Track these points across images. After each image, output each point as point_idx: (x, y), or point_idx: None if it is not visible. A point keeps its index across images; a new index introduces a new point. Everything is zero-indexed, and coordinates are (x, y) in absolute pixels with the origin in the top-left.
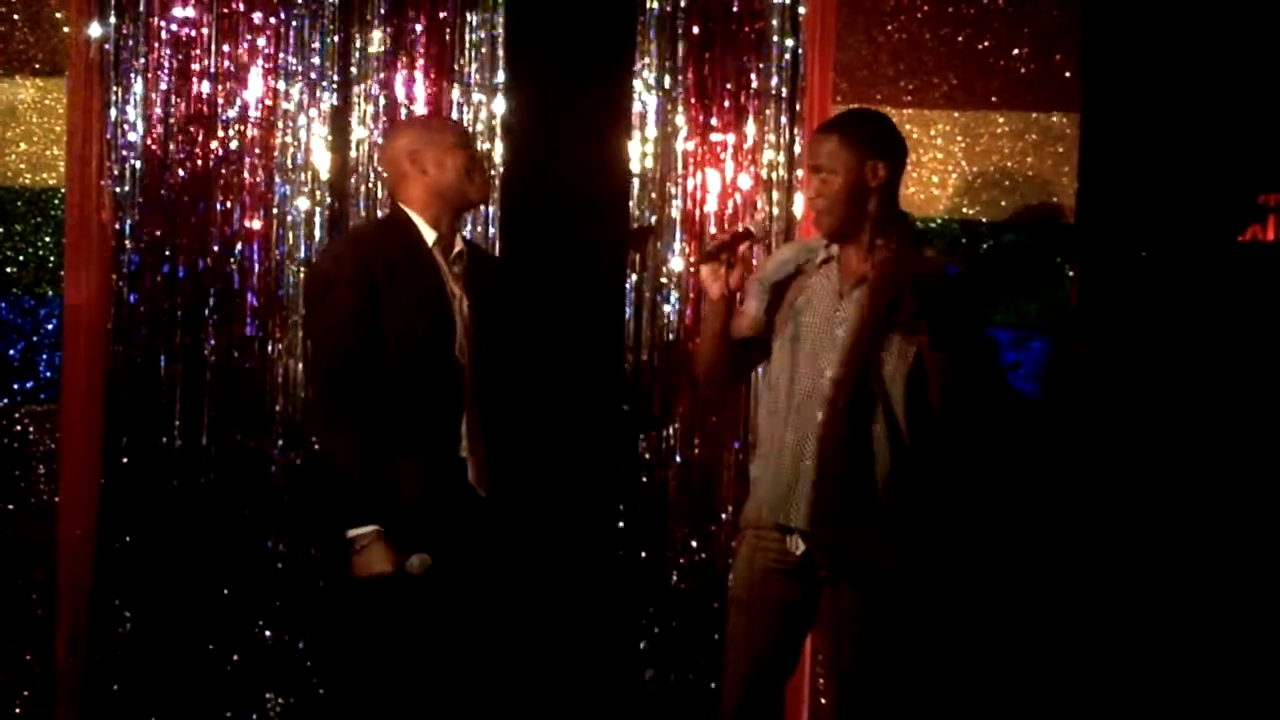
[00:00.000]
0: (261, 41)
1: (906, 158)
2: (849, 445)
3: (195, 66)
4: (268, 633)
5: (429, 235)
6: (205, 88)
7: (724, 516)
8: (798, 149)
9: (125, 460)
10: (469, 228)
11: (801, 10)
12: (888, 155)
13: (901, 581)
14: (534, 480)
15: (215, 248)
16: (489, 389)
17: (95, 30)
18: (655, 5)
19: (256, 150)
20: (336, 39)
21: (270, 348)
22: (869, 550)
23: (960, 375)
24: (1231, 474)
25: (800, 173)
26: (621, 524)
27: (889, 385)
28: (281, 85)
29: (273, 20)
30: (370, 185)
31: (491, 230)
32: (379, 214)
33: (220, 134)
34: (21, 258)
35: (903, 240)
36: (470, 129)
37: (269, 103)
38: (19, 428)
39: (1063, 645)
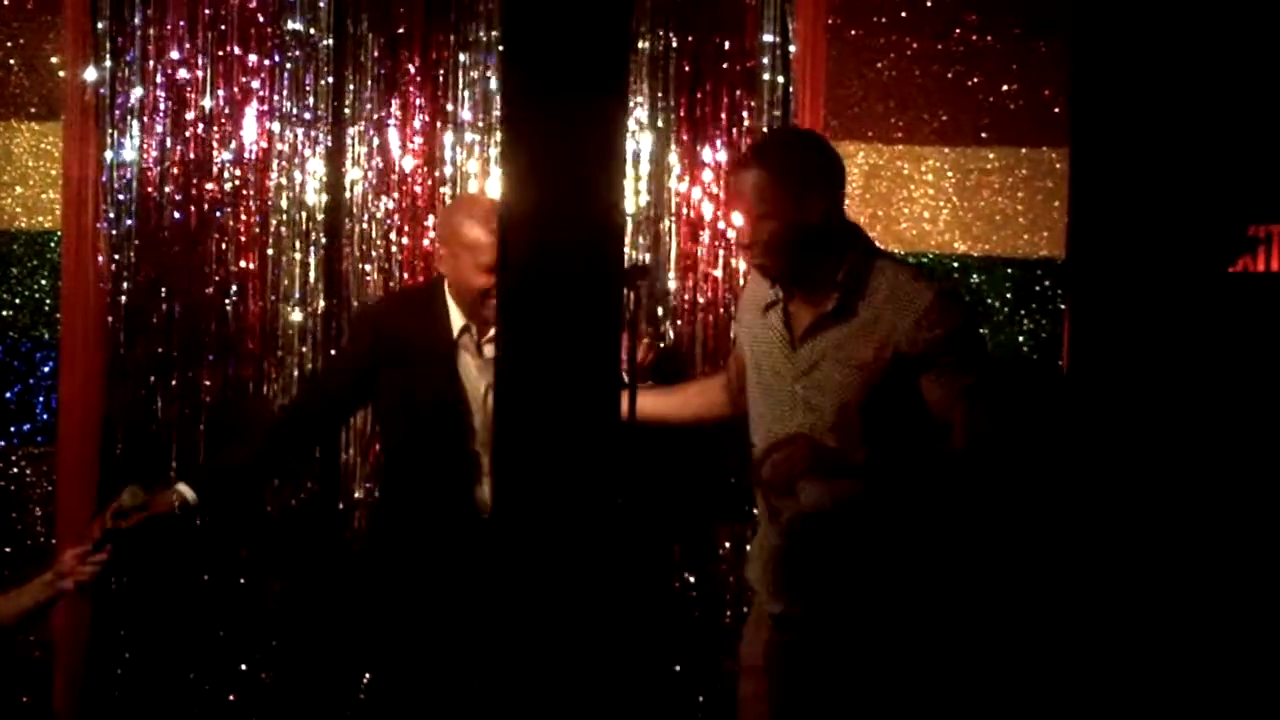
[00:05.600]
0: (255, 84)
1: (843, 178)
2: (835, 529)
3: (190, 110)
4: (263, 673)
5: (457, 321)
6: (200, 130)
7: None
8: None
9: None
10: None
11: (792, 48)
12: (823, 185)
13: (890, 635)
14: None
15: (210, 289)
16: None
17: (91, 75)
18: (647, 44)
19: (251, 192)
20: (330, 81)
21: (265, 389)
22: (853, 611)
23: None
24: (1225, 503)
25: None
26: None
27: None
28: (275, 127)
29: (266, 63)
30: (364, 227)
31: None
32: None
33: (215, 176)
34: (18, 301)
35: (854, 275)
36: (463, 168)
37: (263, 145)
38: (16, 470)
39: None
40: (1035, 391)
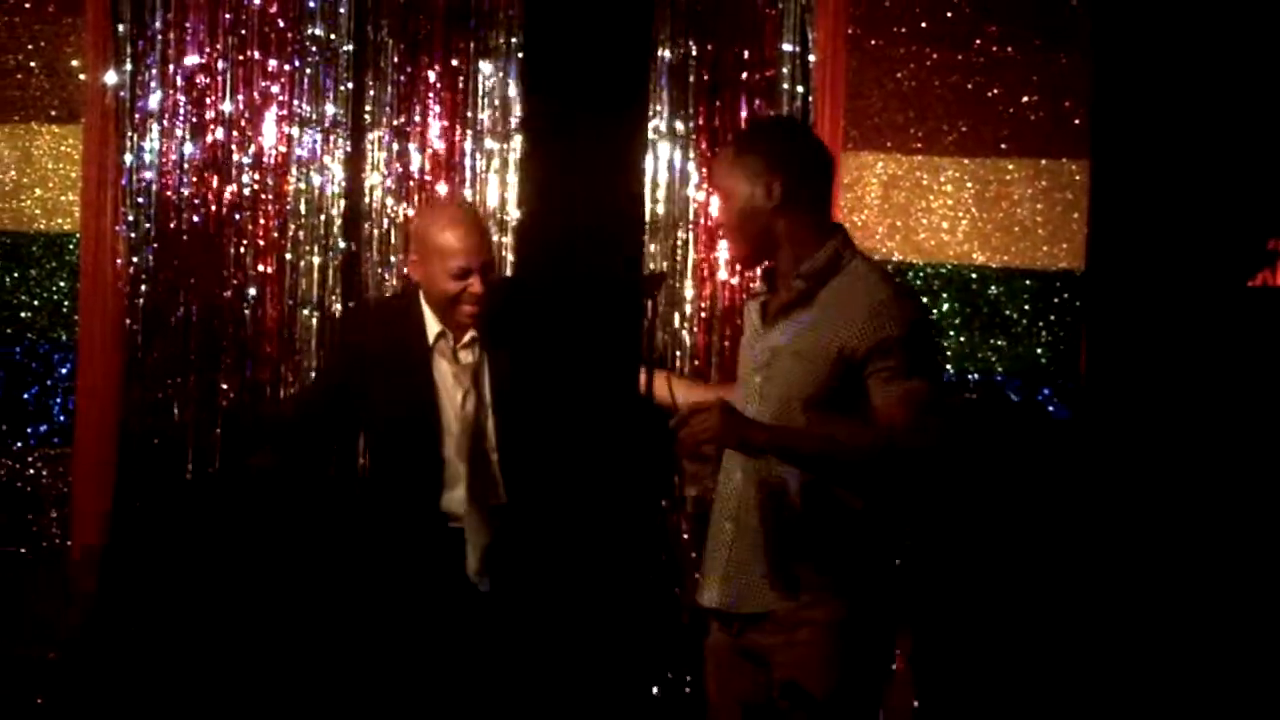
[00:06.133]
0: (275, 88)
1: (822, 170)
2: (769, 512)
3: (210, 113)
4: (269, 677)
5: (432, 328)
6: (219, 134)
7: None
8: None
9: (138, 504)
10: None
11: (812, 58)
12: (785, 170)
13: (840, 656)
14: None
15: (228, 293)
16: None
17: (111, 78)
18: (666, 53)
19: (269, 196)
20: (350, 86)
21: (282, 392)
22: (800, 629)
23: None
24: (1243, 516)
25: None
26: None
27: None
28: (295, 132)
29: (287, 67)
30: (383, 231)
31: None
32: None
33: (234, 180)
34: (36, 303)
35: (820, 267)
36: (483, 175)
37: (282, 149)
38: (32, 471)
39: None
40: (992, 408)
